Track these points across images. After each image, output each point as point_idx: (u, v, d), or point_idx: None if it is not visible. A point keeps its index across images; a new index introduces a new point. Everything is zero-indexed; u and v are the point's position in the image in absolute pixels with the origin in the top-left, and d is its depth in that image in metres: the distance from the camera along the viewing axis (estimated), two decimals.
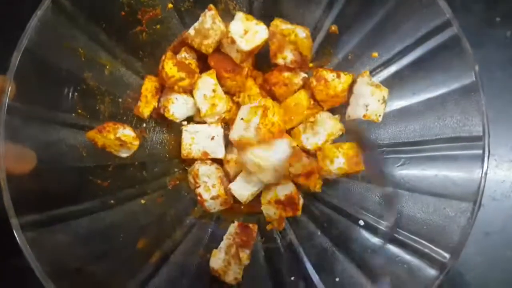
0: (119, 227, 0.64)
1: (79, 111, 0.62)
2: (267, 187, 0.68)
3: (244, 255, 0.65)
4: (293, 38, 0.66)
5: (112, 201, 0.65)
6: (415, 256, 0.58)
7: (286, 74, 0.70)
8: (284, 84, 0.71)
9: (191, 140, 0.70)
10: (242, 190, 0.68)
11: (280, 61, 0.69)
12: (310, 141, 0.70)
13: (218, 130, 0.71)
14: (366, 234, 0.63)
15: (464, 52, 0.57)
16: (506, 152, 0.80)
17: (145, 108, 0.69)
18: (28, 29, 0.54)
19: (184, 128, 0.71)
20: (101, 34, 0.63)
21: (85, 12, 0.60)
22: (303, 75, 0.71)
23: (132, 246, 0.64)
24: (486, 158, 0.55)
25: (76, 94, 0.62)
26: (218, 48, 0.70)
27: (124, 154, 0.67)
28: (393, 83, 0.67)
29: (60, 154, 0.60)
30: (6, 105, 0.52)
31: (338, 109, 0.71)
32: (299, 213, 0.68)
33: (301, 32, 0.66)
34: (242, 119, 0.65)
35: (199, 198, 0.68)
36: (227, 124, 0.74)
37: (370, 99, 0.64)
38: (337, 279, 0.61)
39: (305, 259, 0.65)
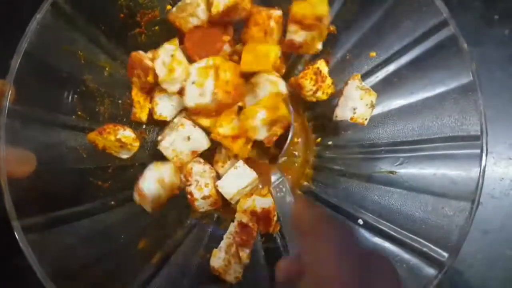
0: (120, 228, 0.64)
1: (79, 113, 0.63)
2: (246, 195, 0.68)
3: (244, 254, 0.65)
4: None
5: (112, 202, 0.65)
6: (414, 255, 0.58)
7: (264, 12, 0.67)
8: (257, 24, 0.67)
9: (173, 153, 0.69)
10: (229, 188, 0.67)
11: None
12: (250, 103, 0.68)
13: (188, 128, 0.68)
14: (365, 234, 0.64)
15: (461, 51, 0.57)
16: (504, 150, 0.80)
17: (142, 113, 0.70)
18: (28, 32, 0.54)
19: (160, 148, 0.69)
20: (101, 36, 0.63)
21: (84, 14, 0.60)
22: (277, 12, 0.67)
23: (133, 246, 0.64)
24: (484, 157, 0.55)
25: (75, 96, 0.62)
26: (203, 32, 0.67)
27: (124, 155, 0.68)
28: (391, 83, 0.67)
29: (60, 156, 0.60)
30: (7, 108, 0.52)
31: (328, 109, 0.72)
32: (271, 229, 0.67)
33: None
34: (193, 83, 0.64)
35: (189, 196, 0.68)
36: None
37: (359, 103, 0.65)
38: None
39: None
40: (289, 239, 0.61)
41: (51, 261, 0.52)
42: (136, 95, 0.69)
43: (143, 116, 0.70)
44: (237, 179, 0.67)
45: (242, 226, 0.66)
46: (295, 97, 0.72)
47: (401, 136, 0.66)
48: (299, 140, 0.77)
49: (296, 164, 0.77)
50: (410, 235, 0.59)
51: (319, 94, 0.69)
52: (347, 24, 0.68)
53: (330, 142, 0.75)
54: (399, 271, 0.57)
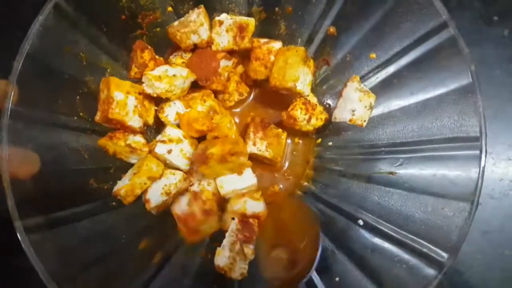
0: (121, 228, 0.64)
1: (81, 114, 0.63)
2: (238, 196, 0.68)
3: (249, 250, 0.65)
4: None
5: (113, 203, 0.65)
6: (414, 256, 0.58)
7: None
8: (257, 59, 0.71)
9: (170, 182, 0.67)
10: (227, 185, 0.67)
11: None
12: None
13: (183, 145, 0.68)
14: (365, 234, 0.64)
15: (461, 53, 0.58)
16: (504, 150, 0.81)
17: (148, 117, 0.70)
18: (30, 34, 0.55)
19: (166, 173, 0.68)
20: (102, 38, 0.64)
21: (86, 16, 0.60)
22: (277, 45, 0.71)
23: (134, 247, 0.65)
24: (483, 159, 0.55)
25: (77, 97, 0.62)
26: (199, 54, 0.70)
27: (133, 160, 0.68)
28: (391, 84, 0.67)
29: (62, 157, 0.61)
30: (9, 109, 0.52)
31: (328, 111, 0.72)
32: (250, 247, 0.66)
33: None
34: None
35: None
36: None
37: (358, 105, 0.66)
38: (337, 279, 0.62)
39: None
40: None
41: (53, 262, 0.53)
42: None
43: (150, 120, 0.71)
44: (237, 180, 0.67)
45: (243, 223, 0.67)
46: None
47: (401, 137, 0.66)
48: (300, 141, 0.78)
49: (297, 165, 0.77)
50: (410, 236, 0.59)
51: (313, 121, 0.70)
52: (348, 25, 0.69)
53: (330, 143, 0.75)
54: (399, 271, 0.59)
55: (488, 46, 0.84)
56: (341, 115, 0.68)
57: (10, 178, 0.51)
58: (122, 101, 0.63)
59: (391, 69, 0.67)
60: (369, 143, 0.70)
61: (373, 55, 0.68)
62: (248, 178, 0.68)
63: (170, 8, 0.69)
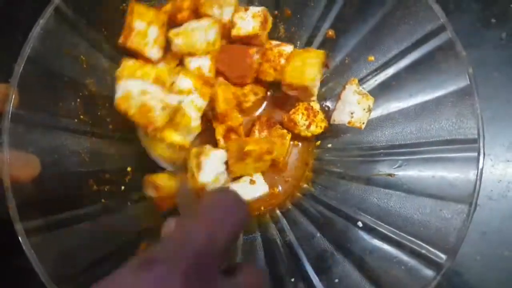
0: (121, 231, 0.65)
1: (81, 117, 0.63)
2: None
3: None
4: None
5: (113, 205, 0.65)
6: (413, 257, 0.58)
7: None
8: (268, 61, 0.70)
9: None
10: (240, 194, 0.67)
11: None
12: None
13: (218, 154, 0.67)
14: (364, 235, 0.64)
15: (458, 55, 0.58)
16: (502, 152, 0.81)
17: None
18: (31, 37, 0.55)
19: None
20: (102, 41, 0.64)
21: (86, 19, 0.61)
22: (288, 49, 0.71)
23: (134, 249, 0.65)
24: (481, 161, 0.56)
25: (78, 100, 0.63)
26: (227, 52, 0.68)
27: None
28: (390, 86, 0.68)
29: (62, 160, 0.61)
30: (10, 112, 0.52)
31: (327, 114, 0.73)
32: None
33: None
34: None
35: None
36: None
37: (356, 107, 0.67)
38: (336, 280, 0.62)
39: (305, 260, 0.65)
40: None
41: (53, 264, 0.53)
42: None
43: None
44: (250, 189, 0.68)
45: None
46: None
47: (399, 139, 0.66)
48: (299, 143, 0.78)
49: (296, 167, 0.78)
50: (409, 237, 0.60)
51: (312, 128, 0.71)
52: (346, 28, 0.69)
53: (329, 145, 0.76)
54: (398, 272, 0.59)
55: (486, 48, 0.84)
56: (340, 117, 0.68)
57: (10, 181, 0.51)
58: (143, 31, 0.61)
59: (389, 71, 0.67)
60: (368, 145, 0.70)
61: (372, 58, 0.69)
62: (261, 186, 0.68)
63: None
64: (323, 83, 0.74)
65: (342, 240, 0.66)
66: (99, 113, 0.66)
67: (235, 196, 0.42)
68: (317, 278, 0.63)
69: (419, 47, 0.63)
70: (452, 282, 0.76)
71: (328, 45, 0.72)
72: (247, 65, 0.68)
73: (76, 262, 0.57)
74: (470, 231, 0.56)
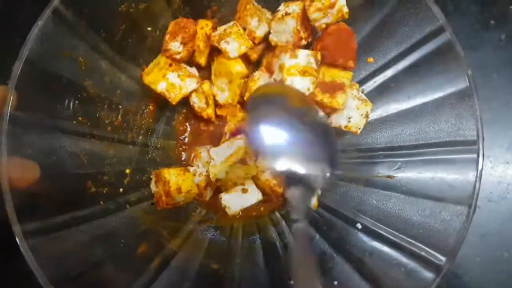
0: (120, 233, 0.64)
1: (80, 118, 0.63)
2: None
3: None
4: None
5: (112, 207, 0.65)
6: (412, 259, 0.58)
7: None
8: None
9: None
10: (233, 205, 0.68)
11: None
12: None
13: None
14: (364, 237, 0.64)
15: (458, 57, 0.58)
16: (501, 154, 0.81)
17: (200, 58, 0.72)
18: (29, 39, 0.55)
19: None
20: (101, 43, 0.64)
21: (85, 21, 0.60)
22: None
23: (132, 251, 0.65)
24: (480, 163, 0.56)
25: (76, 102, 0.62)
26: (333, 34, 0.67)
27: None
28: (389, 88, 0.68)
29: (61, 162, 0.60)
30: (8, 114, 0.52)
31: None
32: None
33: None
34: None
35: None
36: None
37: (355, 112, 0.67)
38: (335, 283, 0.62)
39: None
40: None
41: (51, 266, 0.52)
42: (198, 39, 0.71)
43: (202, 61, 0.72)
44: (243, 198, 0.68)
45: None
46: None
47: (398, 140, 0.66)
48: None
49: None
50: (408, 239, 0.60)
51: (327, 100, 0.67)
52: None
53: None
54: (397, 274, 0.59)
55: (485, 50, 0.84)
56: (337, 121, 0.68)
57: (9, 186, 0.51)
58: (169, 84, 0.68)
59: (388, 73, 0.67)
60: (367, 146, 0.70)
61: (371, 60, 0.69)
62: (253, 194, 0.69)
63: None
64: None
65: (342, 242, 0.65)
66: (97, 114, 0.66)
67: None
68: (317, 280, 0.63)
69: (418, 48, 0.63)
70: (452, 284, 0.76)
71: None
72: (350, 50, 0.66)
73: (75, 265, 0.57)
74: (469, 233, 0.56)
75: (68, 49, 0.60)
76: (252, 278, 0.66)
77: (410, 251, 0.59)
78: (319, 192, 0.70)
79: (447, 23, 0.59)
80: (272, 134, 0.50)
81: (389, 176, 0.66)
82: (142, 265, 0.64)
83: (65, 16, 0.58)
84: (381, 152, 0.68)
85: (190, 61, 0.74)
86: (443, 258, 0.55)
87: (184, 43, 0.69)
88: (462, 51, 0.58)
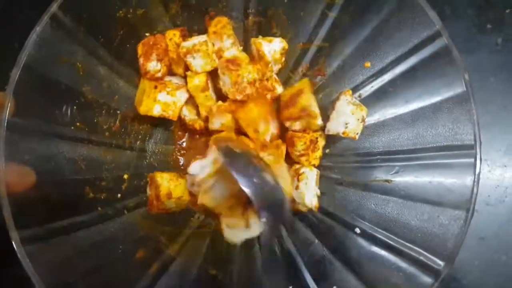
0: (118, 239, 0.64)
1: (78, 124, 0.63)
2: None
3: None
4: None
5: (110, 213, 0.65)
6: (411, 264, 0.58)
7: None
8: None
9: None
10: (235, 237, 0.68)
11: None
12: None
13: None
14: (362, 242, 0.64)
15: (454, 61, 0.58)
16: (499, 157, 0.81)
17: (178, 70, 0.72)
18: (27, 45, 0.55)
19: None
20: (99, 48, 0.64)
21: (83, 27, 0.61)
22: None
23: (130, 257, 0.64)
24: (477, 167, 0.56)
25: (74, 107, 0.62)
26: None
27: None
28: (386, 92, 0.68)
29: (59, 167, 0.60)
30: (6, 120, 0.52)
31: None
32: None
33: None
34: None
35: None
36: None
37: (351, 118, 0.67)
38: (334, 287, 0.62)
39: (303, 267, 0.65)
40: None
41: (49, 272, 0.52)
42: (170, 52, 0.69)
43: (181, 72, 0.71)
44: (245, 232, 0.68)
45: None
46: None
47: (396, 145, 0.67)
48: None
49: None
50: (407, 244, 0.60)
51: (303, 159, 0.71)
52: (342, 35, 0.69)
53: (327, 151, 0.76)
54: (396, 279, 0.59)
55: (482, 53, 0.84)
56: (335, 128, 0.68)
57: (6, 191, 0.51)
58: (163, 104, 0.68)
59: (386, 77, 0.67)
60: (365, 151, 0.70)
61: (368, 64, 0.69)
62: (256, 228, 0.67)
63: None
64: (319, 89, 0.75)
65: (340, 247, 0.65)
66: (95, 120, 0.66)
67: None
68: (315, 285, 0.63)
69: (415, 53, 0.63)
70: None
71: (324, 52, 0.72)
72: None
73: (72, 271, 0.57)
74: (468, 237, 0.56)
75: (66, 55, 0.60)
76: (251, 284, 0.65)
77: (408, 256, 0.59)
78: (318, 192, 0.70)
79: (443, 27, 0.59)
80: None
81: (387, 181, 0.66)
82: (140, 271, 0.64)
83: (63, 22, 0.58)
84: (379, 157, 0.68)
85: (171, 72, 0.73)
86: (441, 263, 0.56)
87: (160, 59, 0.68)
88: (459, 56, 0.58)
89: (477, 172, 0.56)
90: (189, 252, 0.67)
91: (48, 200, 0.57)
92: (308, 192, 0.68)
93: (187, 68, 0.70)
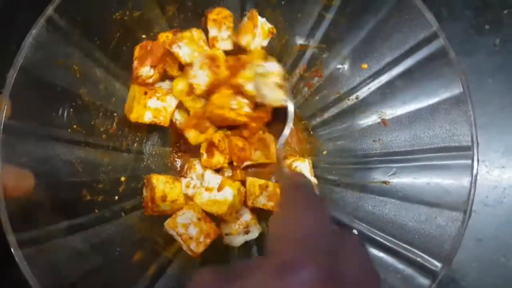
0: (115, 241, 0.64)
1: (75, 126, 0.63)
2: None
3: None
4: None
5: (107, 215, 0.65)
6: (408, 265, 0.58)
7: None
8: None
9: None
10: (235, 241, 0.69)
11: None
12: None
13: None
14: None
15: (451, 63, 0.58)
16: (497, 158, 0.81)
17: (173, 71, 0.71)
18: (23, 47, 0.55)
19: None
20: (96, 50, 0.64)
21: (79, 29, 0.60)
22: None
23: (128, 259, 0.64)
24: (475, 168, 0.56)
25: (71, 110, 0.62)
26: None
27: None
28: (384, 94, 0.68)
29: (56, 170, 0.60)
30: (2, 124, 0.52)
31: None
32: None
33: None
34: None
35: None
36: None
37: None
38: None
39: None
40: None
41: (46, 275, 0.52)
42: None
43: (175, 72, 0.70)
44: (244, 236, 0.69)
45: None
46: None
47: (393, 146, 0.67)
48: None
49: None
50: (404, 245, 0.60)
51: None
52: (339, 36, 0.69)
53: (324, 152, 0.76)
54: (394, 281, 0.58)
55: (480, 55, 0.84)
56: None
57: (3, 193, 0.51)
58: (153, 110, 0.68)
59: (383, 79, 0.67)
60: (362, 152, 0.70)
61: (365, 66, 0.69)
62: (254, 231, 0.69)
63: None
64: (317, 90, 0.75)
65: None
66: (92, 122, 0.66)
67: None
68: None
69: (412, 54, 0.63)
70: None
71: (321, 53, 0.72)
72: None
73: (70, 273, 0.56)
74: (466, 238, 0.56)
75: (63, 57, 0.60)
76: None
77: (406, 257, 0.59)
78: (316, 181, 0.71)
79: (440, 29, 0.59)
80: None
81: (384, 182, 0.66)
82: (138, 273, 0.63)
83: (59, 24, 0.58)
84: (376, 158, 0.68)
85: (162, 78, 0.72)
86: (439, 264, 0.55)
87: (154, 66, 0.67)
88: (456, 57, 0.58)
89: (474, 173, 0.56)
90: (187, 254, 0.67)
91: (45, 202, 0.57)
92: None
93: (181, 67, 0.69)
